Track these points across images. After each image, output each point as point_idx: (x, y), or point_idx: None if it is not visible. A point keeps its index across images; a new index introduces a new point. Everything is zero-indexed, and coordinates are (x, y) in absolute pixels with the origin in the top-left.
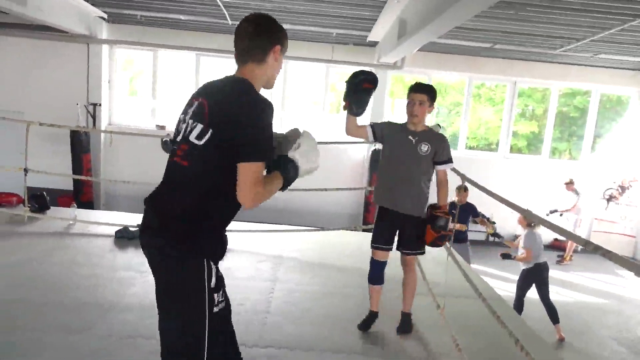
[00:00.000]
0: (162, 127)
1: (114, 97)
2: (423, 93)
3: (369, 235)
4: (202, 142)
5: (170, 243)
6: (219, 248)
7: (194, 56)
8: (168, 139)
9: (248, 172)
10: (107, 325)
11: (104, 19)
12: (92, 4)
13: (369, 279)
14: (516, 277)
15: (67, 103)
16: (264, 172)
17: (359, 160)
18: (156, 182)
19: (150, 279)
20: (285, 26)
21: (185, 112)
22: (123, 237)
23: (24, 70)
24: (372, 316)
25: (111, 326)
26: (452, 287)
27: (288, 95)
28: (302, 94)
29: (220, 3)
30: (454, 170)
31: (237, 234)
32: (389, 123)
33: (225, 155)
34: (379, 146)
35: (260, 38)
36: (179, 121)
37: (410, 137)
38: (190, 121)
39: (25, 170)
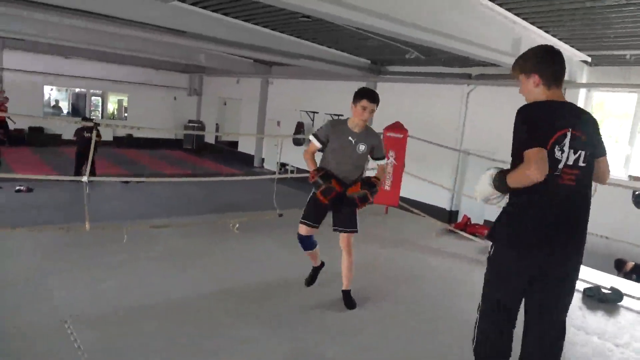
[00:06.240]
0: (637, 179)
1: None
2: (375, 103)
3: None
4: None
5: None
6: None
7: None
8: None
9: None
10: None
11: (586, 62)
12: (577, 49)
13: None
14: None
15: None
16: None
17: None
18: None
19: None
20: None
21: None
22: (593, 296)
23: (494, 114)
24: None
25: None
26: None
27: None
28: None
29: None
30: None
31: None
32: (332, 124)
33: None
34: None
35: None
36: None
37: (350, 138)
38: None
39: None
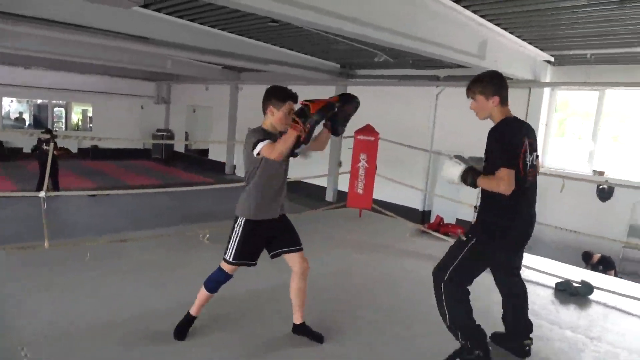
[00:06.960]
0: (601, 173)
1: (548, 139)
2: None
3: None
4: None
5: None
6: None
7: None
8: (605, 186)
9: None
10: None
11: (549, 62)
12: (541, 49)
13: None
14: None
15: None
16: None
17: None
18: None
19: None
20: None
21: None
22: (565, 290)
23: (463, 115)
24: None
25: None
26: None
27: None
28: None
29: None
30: None
31: None
32: (259, 133)
33: None
34: None
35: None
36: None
37: None
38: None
39: (476, 207)
